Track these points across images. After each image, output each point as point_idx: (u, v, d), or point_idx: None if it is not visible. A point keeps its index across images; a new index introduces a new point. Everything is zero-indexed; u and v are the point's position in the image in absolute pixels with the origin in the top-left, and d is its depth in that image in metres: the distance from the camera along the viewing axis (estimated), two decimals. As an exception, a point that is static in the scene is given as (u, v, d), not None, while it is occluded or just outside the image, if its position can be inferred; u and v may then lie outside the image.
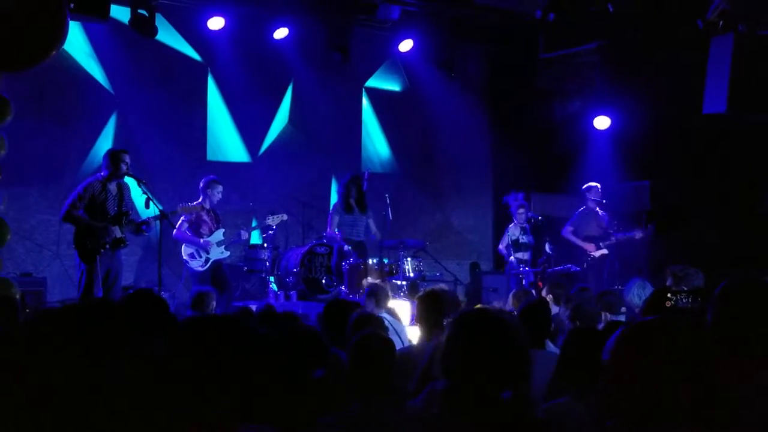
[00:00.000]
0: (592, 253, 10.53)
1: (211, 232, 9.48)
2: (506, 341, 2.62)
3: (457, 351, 2.65)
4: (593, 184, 10.81)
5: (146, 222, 8.39)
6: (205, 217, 9.50)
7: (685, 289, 5.81)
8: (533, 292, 8.35)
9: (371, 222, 10.50)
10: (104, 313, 2.24)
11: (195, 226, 9.44)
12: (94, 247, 8.07)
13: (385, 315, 6.71)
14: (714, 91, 9.09)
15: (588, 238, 10.62)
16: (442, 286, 7.19)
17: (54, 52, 6.95)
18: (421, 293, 5.46)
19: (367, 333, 3.74)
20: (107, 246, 8.12)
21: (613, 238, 10.51)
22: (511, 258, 10.75)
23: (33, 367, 1.70)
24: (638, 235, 10.54)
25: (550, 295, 7.07)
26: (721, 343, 2.45)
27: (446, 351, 2.68)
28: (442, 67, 12.05)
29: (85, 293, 7.97)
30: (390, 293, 7.35)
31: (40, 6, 6.76)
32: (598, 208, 10.75)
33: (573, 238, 10.71)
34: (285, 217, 10.23)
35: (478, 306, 6.58)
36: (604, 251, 10.52)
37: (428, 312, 5.15)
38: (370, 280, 9.66)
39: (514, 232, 10.83)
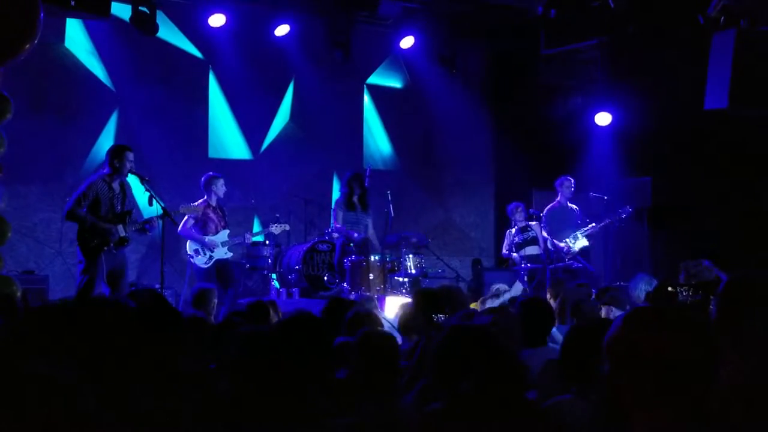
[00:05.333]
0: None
1: (217, 231, 9.48)
2: (492, 352, 2.65)
3: (448, 367, 2.67)
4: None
5: (149, 221, 8.37)
6: (212, 215, 9.50)
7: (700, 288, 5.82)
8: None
9: (370, 222, 10.50)
10: (115, 313, 2.24)
11: (201, 224, 9.44)
12: (97, 245, 8.06)
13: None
14: (715, 86, 9.07)
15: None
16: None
17: (27, 47, 6.92)
18: (417, 290, 5.49)
19: (371, 330, 3.71)
20: (111, 245, 8.11)
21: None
22: (514, 255, 10.73)
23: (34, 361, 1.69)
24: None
25: (550, 296, 7.06)
26: (724, 337, 2.45)
27: (437, 365, 2.70)
28: (444, 63, 12.06)
29: (83, 291, 7.93)
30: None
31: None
32: (569, 202, 10.81)
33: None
34: (287, 227, 10.23)
35: (474, 306, 6.59)
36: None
37: (422, 309, 5.18)
38: (372, 277, 9.69)
39: (514, 234, 10.77)
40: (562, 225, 10.67)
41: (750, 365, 2.26)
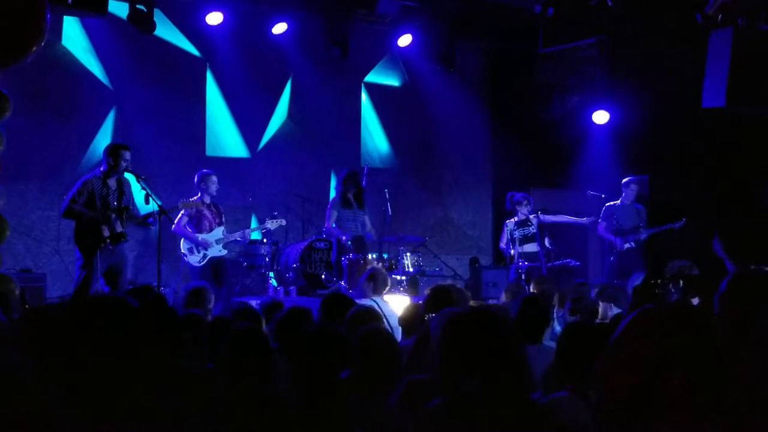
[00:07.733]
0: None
1: (212, 228, 9.47)
2: (497, 338, 2.63)
3: (450, 351, 2.65)
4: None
5: (151, 214, 8.36)
6: (206, 212, 9.49)
7: (682, 281, 5.86)
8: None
9: (367, 219, 10.48)
10: (119, 311, 2.24)
11: (195, 221, 9.43)
12: (94, 242, 8.05)
13: (377, 300, 6.72)
14: (713, 85, 9.08)
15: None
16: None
17: (34, 49, 6.90)
18: (432, 288, 5.43)
19: (371, 328, 3.69)
20: (107, 241, 8.10)
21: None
22: (511, 251, 10.67)
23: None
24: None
25: (535, 291, 7.05)
26: (728, 334, 2.45)
27: (440, 351, 2.68)
28: (442, 62, 12.04)
29: (80, 288, 7.94)
30: (388, 279, 7.37)
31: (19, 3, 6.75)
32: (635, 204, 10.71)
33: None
34: (284, 222, 10.23)
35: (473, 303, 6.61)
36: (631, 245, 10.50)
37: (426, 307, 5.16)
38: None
39: (511, 227, 10.69)
40: (624, 223, 10.59)
41: (761, 363, 2.25)
